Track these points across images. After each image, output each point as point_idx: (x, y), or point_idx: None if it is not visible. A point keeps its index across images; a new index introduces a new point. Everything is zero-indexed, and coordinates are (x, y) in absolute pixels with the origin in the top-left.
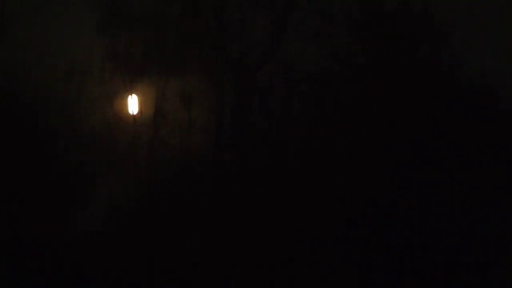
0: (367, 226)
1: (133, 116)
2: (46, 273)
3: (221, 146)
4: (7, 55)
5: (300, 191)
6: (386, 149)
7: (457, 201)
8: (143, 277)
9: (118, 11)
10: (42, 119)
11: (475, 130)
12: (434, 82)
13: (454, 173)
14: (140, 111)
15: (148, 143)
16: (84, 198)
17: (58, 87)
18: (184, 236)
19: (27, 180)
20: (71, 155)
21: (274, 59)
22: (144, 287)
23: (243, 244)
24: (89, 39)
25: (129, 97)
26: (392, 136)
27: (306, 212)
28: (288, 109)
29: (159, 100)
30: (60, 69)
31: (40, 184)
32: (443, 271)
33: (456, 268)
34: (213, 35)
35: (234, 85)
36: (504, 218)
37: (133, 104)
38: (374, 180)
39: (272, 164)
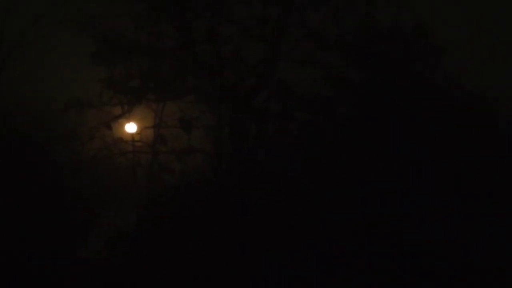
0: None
1: (132, 142)
2: None
3: (220, 170)
4: (6, 87)
5: (299, 215)
6: (386, 169)
7: (453, 221)
8: None
9: (113, 42)
10: (42, 149)
11: (473, 147)
12: (432, 99)
13: (453, 190)
14: (139, 137)
15: (147, 168)
16: (86, 225)
17: (57, 117)
18: (187, 259)
19: (29, 208)
20: (72, 183)
21: (269, 84)
22: None
23: (242, 266)
24: (86, 70)
25: (128, 124)
26: (392, 155)
27: (304, 235)
28: (285, 133)
29: (158, 126)
30: (59, 99)
31: (42, 211)
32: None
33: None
34: (207, 63)
35: (231, 111)
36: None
37: (132, 131)
38: (374, 202)
39: (271, 188)
